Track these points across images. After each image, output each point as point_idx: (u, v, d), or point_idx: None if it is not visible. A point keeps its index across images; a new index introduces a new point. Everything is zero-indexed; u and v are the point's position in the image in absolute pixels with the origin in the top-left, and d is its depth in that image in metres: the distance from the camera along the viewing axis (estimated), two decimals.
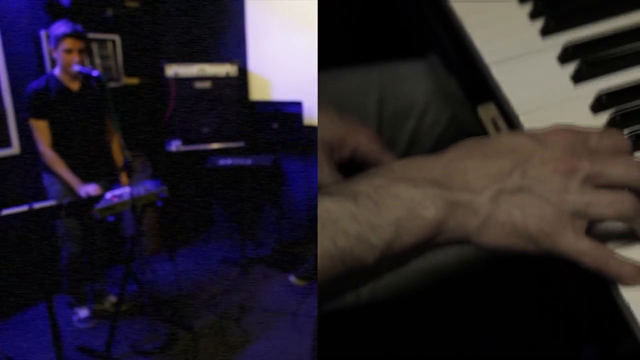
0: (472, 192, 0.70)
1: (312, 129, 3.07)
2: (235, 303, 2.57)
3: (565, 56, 0.94)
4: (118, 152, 2.41)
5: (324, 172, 1.01)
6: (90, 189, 2.13)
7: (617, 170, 0.70)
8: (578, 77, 0.92)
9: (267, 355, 2.12)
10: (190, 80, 3.13)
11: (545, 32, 0.98)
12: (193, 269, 3.04)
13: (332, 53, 1.48)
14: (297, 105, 3.03)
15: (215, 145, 3.23)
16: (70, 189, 2.16)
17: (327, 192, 0.71)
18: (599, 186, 0.70)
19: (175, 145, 3.16)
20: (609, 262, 0.69)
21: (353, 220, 0.67)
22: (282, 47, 3.21)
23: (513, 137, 0.74)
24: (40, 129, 2.11)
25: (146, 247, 3.18)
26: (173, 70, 3.09)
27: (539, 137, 0.73)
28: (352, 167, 1.05)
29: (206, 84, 3.17)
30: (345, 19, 1.50)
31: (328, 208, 0.68)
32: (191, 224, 3.58)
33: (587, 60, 0.92)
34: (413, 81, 1.23)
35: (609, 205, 0.69)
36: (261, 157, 3.09)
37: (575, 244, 0.68)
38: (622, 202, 0.69)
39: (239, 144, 3.29)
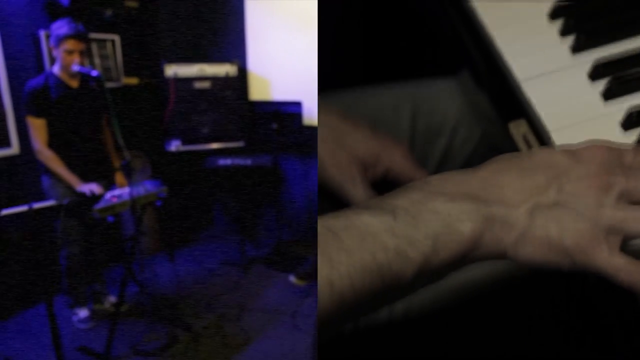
0: (508, 206, 0.70)
1: (312, 129, 3.07)
2: (234, 303, 2.57)
3: (595, 73, 0.95)
4: (113, 152, 2.40)
5: (359, 188, 1.02)
6: (93, 187, 2.13)
7: None
8: (608, 94, 0.92)
9: (267, 355, 2.12)
10: (189, 80, 3.13)
11: (576, 49, 0.99)
12: (193, 269, 3.04)
13: (365, 70, 1.52)
14: (297, 105, 3.03)
15: (214, 145, 3.23)
16: (69, 190, 2.16)
17: (365, 206, 0.71)
18: (634, 203, 0.70)
19: (174, 145, 3.16)
20: None
21: (392, 234, 0.67)
22: (282, 47, 3.21)
23: (549, 153, 0.74)
24: (38, 127, 2.10)
25: (146, 248, 3.18)
26: (172, 70, 3.09)
27: (575, 152, 0.73)
28: (384, 185, 1.06)
29: (206, 84, 3.17)
30: (379, 36, 1.53)
31: (367, 222, 0.68)
32: (191, 224, 3.58)
33: (617, 78, 0.92)
34: (445, 98, 1.24)
35: None
36: (261, 157, 3.09)
37: (611, 260, 0.68)
38: None
39: (239, 144, 3.29)
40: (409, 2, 1.37)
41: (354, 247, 0.66)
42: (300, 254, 3.18)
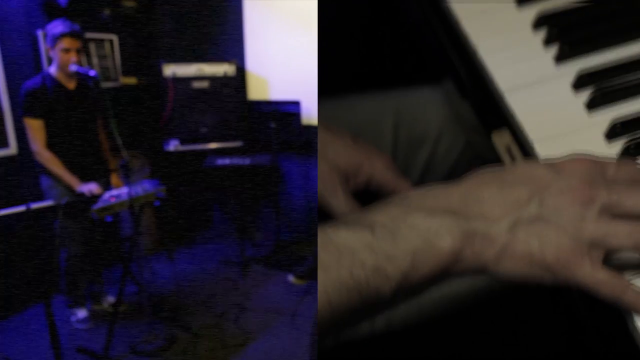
0: (489, 221, 0.70)
1: (311, 129, 3.07)
2: (233, 303, 2.57)
3: (579, 83, 0.95)
4: (108, 152, 2.40)
5: (340, 199, 1.01)
6: (92, 187, 2.12)
7: (635, 201, 0.70)
8: (592, 104, 0.92)
9: (266, 354, 2.12)
10: (188, 79, 3.13)
11: (559, 58, 0.99)
12: (191, 269, 3.04)
13: (347, 78, 1.50)
14: (296, 104, 3.03)
15: (213, 145, 3.23)
16: (68, 191, 2.16)
17: (343, 222, 0.71)
18: (616, 216, 0.70)
19: (173, 145, 3.15)
20: (626, 292, 0.68)
21: (370, 250, 0.67)
22: (280, 47, 3.21)
23: (530, 167, 0.74)
24: (36, 128, 2.10)
25: (144, 247, 3.17)
26: (171, 70, 3.09)
27: (557, 166, 0.73)
28: (365, 195, 1.06)
29: (204, 84, 3.17)
30: (361, 44, 1.53)
31: (345, 238, 0.68)
32: (189, 223, 3.58)
33: (601, 88, 0.92)
34: (428, 107, 1.24)
35: (627, 236, 0.68)
36: (259, 157, 3.08)
37: (593, 274, 0.68)
38: (638, 232, 0.68)
39: (237, 144, 3.28)
40: (392, 11, 1.38)
41: (331, 263, 0.66)
42: (299, 254, 3.18)
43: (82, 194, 2.12)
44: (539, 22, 1.04)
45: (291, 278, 2.80)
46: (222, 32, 3.46)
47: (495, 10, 1.07)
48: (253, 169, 3.10)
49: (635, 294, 0.68)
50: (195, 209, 3.63)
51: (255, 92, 3.41)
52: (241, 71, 3.36)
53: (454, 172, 1.22)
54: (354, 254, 0.67)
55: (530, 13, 1.06)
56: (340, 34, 1.55)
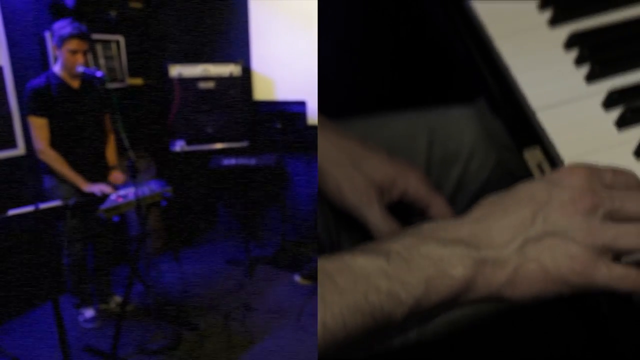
0: (498, 247, 0.71)
1: (316, 129, 3.07)
2: (239, 303, 2.57)
3: (609, 102, 0.96)
4: (111, 151, 2.41)
5: (376, 212, 1.03)
6: (103, 187, 2.13)
7: (636, 204, 0.72)
8: (622, 123, 0.94)
9: (272, 354, 2.13)
10: (194, 80, 3.14)
11: (590, 78, 1.01)
12: (198, 269, 3.05)
13: (381, 97, 1.53)
14: (301, 104, 3.03)
15: (219, 145, 3.24)
16: (73, 190, 2.17)
17: (360, 249, 0.73)
18: (619, 221, 0.71)
19: (179, 146, 3.16)
20: None
21: (385, 276, 0.69)
22: (286, 47, 3.21)
23: (529, 185, 0.76)
24: (40, 127, 2.10)
25: (151, 248, 3.19)
26: (177, 70, 3.10)
27: (554, 179, 0.75)
28: (399, 209, 1.07)
29: (210, 84, 3.17)
30: (395, 63, 1.55)
31: (361, 264, 0.70)
32: (196, 224, 3.59)
33: (630, 106, 0.94)
34: (461, 126, 1.26)
35: (636, 236, 0.70)
36: (265, 157, 3.09)
37: (611, 274, 0.69)
38: None
39: (243, 144, 3.29)
40: (427, 31, 1.39)
41: (347, 288, 0.68)
42: (304, 254, 3.19)
43: (87, 194, 2.13)
44: (571, 42, 1.06)
45: (297, 278, 2.81)
46: (228, 32, 3.46)
47: (528, 30, 1.10)
48: (259, 169, 3.10)
49: None
50: (201, 209, 3.64)
51: (261, 92, 3.42)
52: (247, 72, 3.37)
53: (486, 189, 1.23)
54: (369, 280, 0.69)
55: (562, 33, 1.08)
56: (376, 52, 1.58)
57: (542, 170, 0.93)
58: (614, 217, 0.72)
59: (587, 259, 0.69)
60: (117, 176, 2.35)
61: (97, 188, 2.14)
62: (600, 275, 0.69)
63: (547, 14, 1.12)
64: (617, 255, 0.72)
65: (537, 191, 0.74)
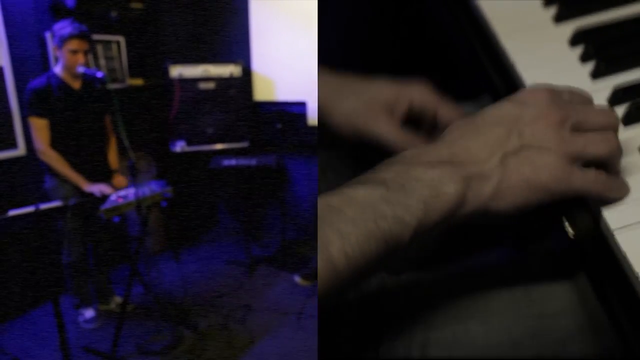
0: (480, 163, 0.77)
1: (316, 129, 3.07)
2: (240, 303, 2.58)
3: (615, 99, 0.96)
4: (113, 154, 2.41)
5: (389, 128, 1.04)
6: (103, 187, 2.13)
7: (598, 116, 0.81)
8: (628, 120, 0.94)
9: (272, 355, 2.12)
10: (194, 80, 3.14)
11: (596, 74, 1.01)
12: (198, 269, 3.05)
13: None
14: (301, 105, 3.03)
15: (219, 146, 3.24)
16: (73, 191, 2.17)
17: (357, 182, 0.77)
18: (585, 131, 0.79)
19: (179, 146, 3.17)
20: (615, 183, 0.79)
21: (388, 203, 0.73)
22: (286, 48, 3.22)
23: (497, 107, 0.81)
24: (41, 128, 2.10)
25: (151, 248, 3.19)
26: (177, 71, 3.10)
27: (520, 99, 0.81)
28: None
29: (210, 85, 3.18)
30: (397, 61, 1.55)
31: (363, 194, 0.74)
32: (196, 224, 3.59)
33: (636, 103, 0.94)
34: None
35: (601, 143, 0.78)
36: (265, 157, 3.09)
37: (585, 177, 0.77)
38: (610, 139, 0.78)
39: (243, 144, 3.29)
40: (428, 29, 1.39)
41: (358, 217, 0.72)
42: (305, 254, 3.19)
43: (88, 195, 2.13)
44: (576, 39, 1.06)
45: (297, 278, 2.81)
46: (228, 33, 3.47)
47: (534, 27, 1.10)
48: (259, 170, 3.10)
49: (621, 183, 0.80)
50: (202, 209, 3.64)
51: (261, 92, 3.42)
52: (247, 72, 3.37)
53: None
54: (375, 207, 0.73)
55: (568, 30, 1.08)
56: (377, 51, 1.59)
57: None
58: (580, 128, 0.79)
59: (563, 165, 0.76)
60: (120, 180, 2.36)
61: (97, 188, 2.14)
62: (575, 179, 0.76)
63: (552, 11, 1.12)
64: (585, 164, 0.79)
65: (506, 111, 0.80)
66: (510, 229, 1.14)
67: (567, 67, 1.03)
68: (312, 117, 3.06)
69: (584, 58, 1.03)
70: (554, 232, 1.11)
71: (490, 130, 0.79)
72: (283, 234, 3.31)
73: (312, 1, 2.94)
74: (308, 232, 3.41)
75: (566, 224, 0.83)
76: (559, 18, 1.10)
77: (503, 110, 0.80)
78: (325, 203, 0.73)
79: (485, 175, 0.76)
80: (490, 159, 0.77)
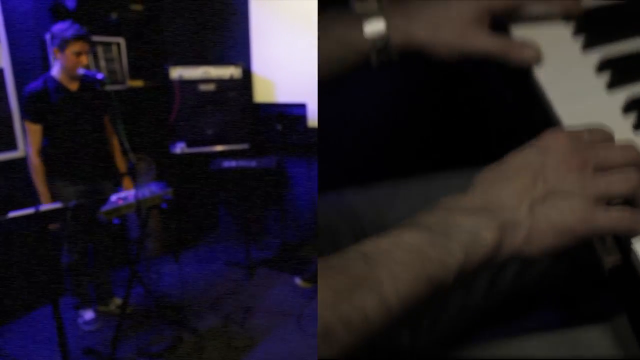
0: (512, 210, 0.81)
1: (316, 131, 3.08)
2: (239, 305, 2.57)
3: (628, 106, 0.96)
4: (119, 156, 2.41)
5: (483, 38, 1.03)
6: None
7: (618, 153, 0.83)
8: None
9: (272, 357, 2.12)
10: (194, 82, 3.14)
11: (611, 85, 1.01)
12: (198, 271, 3.04)
13: (434, 158, 1.58)
14: (302, 107, 3.03)
15: (219, 148, 3.24)
16: (73, 192, 2.17)
17: (403, 227, 0.81)
18: (606, 170, 0.82)
19: (179, 148, 3.17)
20: (639, 219, 0.80)
21: (432, 246, 0.78)
22: (286, 49, 3.22)
23: (521, 155, 0.85)
24: (33, 133, 2.09)
25: (151, 249, 3.19)
26: (177, 72, 3.10)
27: (542, 145, 0.84)
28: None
29: (210, 87, 3.18)
30: (437, 125, 1.58)
31: (410, 238, 0.79)
32: (196, 226, 3.59)
33: None
34: None
35: (623, 181, 0.80)
36: (265, 159, 3.09)
37: (610, 217, 0.79)
38: (632, 177, 0.80)
39: (243, 146, 3.29)
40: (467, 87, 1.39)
41: (407, 260, 0.76)
42: (305, 256, 3.18)
43: (88, 196, 2.13)
44: (603, 66, 1.04)
45: (298, 281, 2.80)
46: (228, 35, 3.47)
47: (572, 65, 1.07)
48: (259, 172, 3.10)
49: None
50: (202, 211, 3.64)
51: (261, 94, 3.42)
52: (247, 74, 3.37)
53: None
54: (421, 251, 0.77)
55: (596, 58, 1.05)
56: (425, 113, 1.62)
57: None
58: (602, 168, 0.82)
59: (587, 208, 0.79)
60: (129, 183, 2.35)
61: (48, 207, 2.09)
62: (601, 220, 0.79)
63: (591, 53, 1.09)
64: (610, 202, 0.81)
65: (530, 158, 0.84)
66: (559, 290, 1.16)
67: (594, 94, 1.01)
68: (312, 119, 3.06)
69: (611, 85, 1.02)
70: (603, 292, 1.12)
71: (517, 178, 0.82)
72: (283, 236, 3.31)
73: (312, 3, 2.94)
74: (308, 234, 3.41)
75: (600, 257, 0.85)
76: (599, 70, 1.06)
77: (528, 157, 0.84)
78: (375, 245, 0.78)
79: (517, 222, 0.80)
80: (520, 206, 0.80)
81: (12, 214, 1.55)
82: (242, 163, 3.03)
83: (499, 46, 1.03)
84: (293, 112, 3.08)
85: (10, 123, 2.44)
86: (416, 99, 1.72)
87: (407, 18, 1.06)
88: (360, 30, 1.04)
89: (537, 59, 1.02)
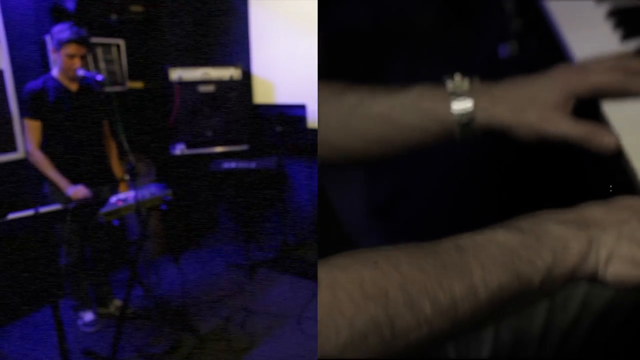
0: (601, 229, 0.84)
1: (316, 132, 3.07)
2: (240, 306, 2.57)
3: None
4: (116, 162, 2.40)
5: (564, 124, 1.03)
6: (79, 190, 2.12)
7: None
8: None
9: (273, 358, 2.12)
10: (194, 84, 3.14)
11: None
12: (198, 272, 3.04)
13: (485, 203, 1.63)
14: (301, 108, 3.03)
15: (219, 149, 3.24)
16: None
17: (497, 227, 0.85)
18: None
19: (179, 149, 3.17)
20: None
21: (523, 247, 0.82)
22: (286, 51, 3.22)
23: (628, 199, 0.90)
24: (32, 129, 2.10)
25: (151, 251, 3.18)
26: (177, 74, 3.11)
27: (627, 204, 0.89)
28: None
29: (210, 88, 3.18)
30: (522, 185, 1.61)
31: (504, 238, 0.83)
32: (196, 227, 3.59)
33: None
34: None
35: None
36: (265, 160, 3.09)
37: None
38: None
39: (243, 147, 3.29)
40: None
41: (498, 255, 0.80)
42: (305, 257, 3.18)
43: (88, 198, 2.13)
44: None
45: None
46: (228, 36, 3.47)
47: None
48: (259, 173, 3.10)
49: None
50: (202, 212, 3.64)
51: (261, 95, 3.42)
52: (247, 75, 3.38)
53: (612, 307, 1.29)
54: (513, 251, 0.81)
55: None
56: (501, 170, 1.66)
57: None
58: None
59: None
60: (125, 190, 2.35)
61: (73, 190, 2.11)
62: None
63: None
64: None
65: (634, 205, 0.88)
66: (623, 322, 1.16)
67: None
68: (312, 120, 3.06)
69: None
70: None
71: (617, 210, 0.87)
72: (283, 237, 3.31)
73: (312, 4, 2.94)
74: (308, 234, 3.41)
75: None
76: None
77: (634, 203, 0.89)
78: (469, 239, 0.82)
79: (604, 242, 0.83)
80: (610, 229, 0.84)
81: (12, 216, 1.55)
82: (242, 164, 3.03)
83: (579, 132, 1.03)
84: (293, 113, 3.08)
85: (10, 124, 2.44)
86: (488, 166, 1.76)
87: (492, 99, 1.09)
88: (449, 106, 1.08)
89: (617, 146, 1.02)
